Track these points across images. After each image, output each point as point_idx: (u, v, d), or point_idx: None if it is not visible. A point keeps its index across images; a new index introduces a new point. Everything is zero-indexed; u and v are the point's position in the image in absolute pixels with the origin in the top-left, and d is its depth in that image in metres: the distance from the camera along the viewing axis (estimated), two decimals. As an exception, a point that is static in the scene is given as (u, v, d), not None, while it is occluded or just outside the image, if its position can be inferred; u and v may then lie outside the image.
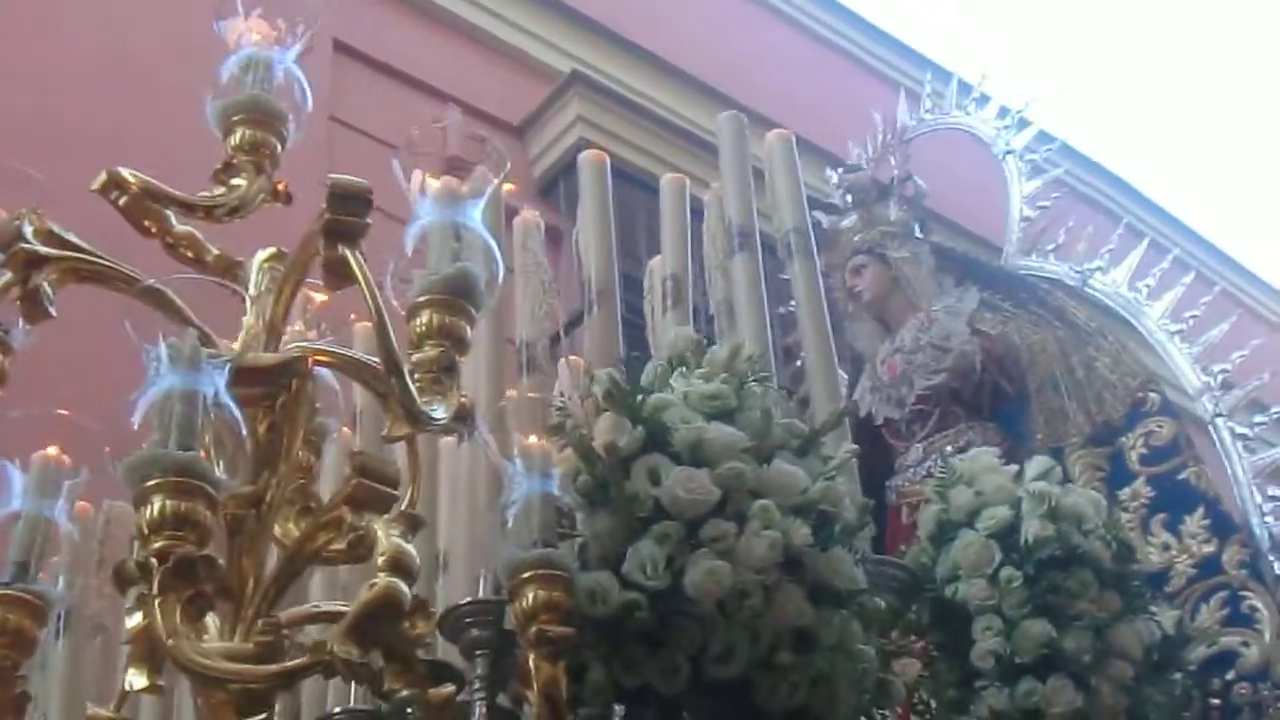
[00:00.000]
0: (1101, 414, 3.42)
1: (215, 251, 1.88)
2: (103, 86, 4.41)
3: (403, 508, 1.73)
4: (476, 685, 1.93)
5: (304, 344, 1.80)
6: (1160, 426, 3.32)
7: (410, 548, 1.63)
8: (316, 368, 1.77)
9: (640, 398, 2.00)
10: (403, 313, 1.74)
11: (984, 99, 4.13)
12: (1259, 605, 3.01)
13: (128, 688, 1.62)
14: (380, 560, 1.59)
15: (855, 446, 2.18)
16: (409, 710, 1.80)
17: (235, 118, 1.88)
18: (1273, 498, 3.17)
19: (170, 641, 1.47)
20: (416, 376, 1.69)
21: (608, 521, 1.90)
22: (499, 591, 1.91)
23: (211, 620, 1.62)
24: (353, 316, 2.02)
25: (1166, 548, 3.16)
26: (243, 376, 1.65)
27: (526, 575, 1.71)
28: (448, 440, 2.21)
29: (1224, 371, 3.39)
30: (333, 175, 1.76)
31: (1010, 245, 3.90)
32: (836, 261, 3.83)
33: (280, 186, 1.90)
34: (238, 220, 1.86)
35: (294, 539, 1.74)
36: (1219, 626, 3.01)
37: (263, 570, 1.69)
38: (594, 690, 1.83)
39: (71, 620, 2.40)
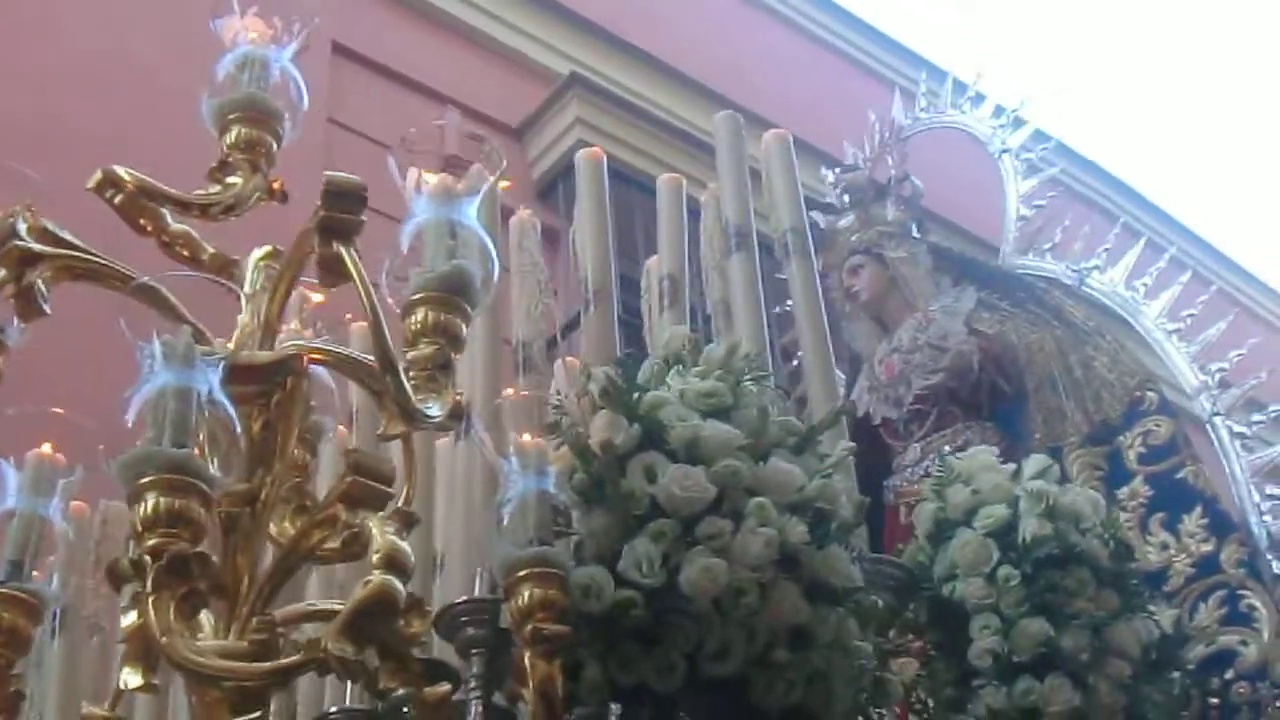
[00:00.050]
0: (1099, 413, 3.41)
1: (211, 250, 1.88)
2: (103, 86, 4.41)
3: (398, 506, 1.73)
4: (472, 684, 1.92)
5: (299, 342, 1.80)
6: (1158, 425, 3.32)
7: (405, 546, 1.62)
8: (312, 366, 1.77)
9: (636, 395, 1.99)
10: (398, 310, 1.73)
11: (979, 98, 4.14)
12: (1257, 604, 3.01)
13: (123, 686, 1.62)
14: (375, 558, 1.58)
15: (852, 444, 2.18)
16: (405, 709, 1.79)
17: (231, 116, 1.88)
18: (1270, 496, 3.17)
19: (164, 639, 1.46)
20: (412, 374, 1.68)
21: (603, 519, 1.89)
22: (494, 590, 1.91)
23: (206, 618, 1.61)
24: (348, 316, 2.01)
25: (1165, 547, 3.15)
26: (238, 374, 1.65)
27: (522, 573, 1.71)
28: (443, 438, 2.21)
29: (1221, 370, 3.39)
30: (328, 172, 1.75)
31: (1007, 244, 3.90)
32: (834, 261, 3.84)
33: (276, 185, 1.90)
34: (233, 219, 1.86)
35: (289, 537, 1.74)
36: (1217, 625, 3.01)
37: (257, 568, 1.69)
38: (590, 688, 1.82)
39: (67, 619, 2.40)
